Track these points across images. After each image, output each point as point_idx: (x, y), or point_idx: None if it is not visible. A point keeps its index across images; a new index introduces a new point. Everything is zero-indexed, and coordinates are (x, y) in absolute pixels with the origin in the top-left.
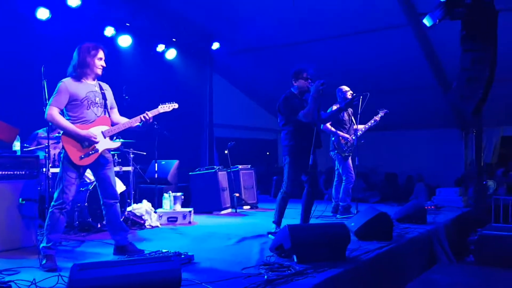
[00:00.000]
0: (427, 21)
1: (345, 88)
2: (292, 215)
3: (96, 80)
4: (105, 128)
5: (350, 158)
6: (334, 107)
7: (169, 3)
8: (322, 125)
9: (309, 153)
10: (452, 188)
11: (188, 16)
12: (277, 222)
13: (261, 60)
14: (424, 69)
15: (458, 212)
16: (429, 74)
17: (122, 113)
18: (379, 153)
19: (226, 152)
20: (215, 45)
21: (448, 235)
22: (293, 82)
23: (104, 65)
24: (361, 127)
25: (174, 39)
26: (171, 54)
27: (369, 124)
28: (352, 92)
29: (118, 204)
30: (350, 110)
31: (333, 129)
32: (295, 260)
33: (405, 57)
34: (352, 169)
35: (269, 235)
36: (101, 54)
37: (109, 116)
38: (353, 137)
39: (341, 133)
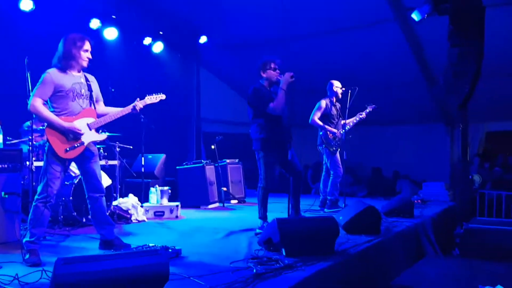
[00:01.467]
0: (415, 16)
1: (336, 83)
2: (280, 209)
3: (81, 71)
4: (90, 120)
5: (338, 152)
6: (322, 102)
7: None
8: (310, 119)
9: (281, 147)
10: (439, 182)
11: (175, 10)
12: (263, 216)
13: (248, 55)
14: (410, 64)
15: (444, 206)
16: (415, 69)
17: (108, 105)
18: (365, 148)
19: (213, 147)
20: (203, 39)
21: (434, 229)
22: (261, 73)
23: (90, 57)
24: (348, 121)
25: (161, 32)
26: (158, 47)
27: (357, 119)
28: (342, 90)
29: (104, 197)
30: (338, 104)
31: (320, 123)
32: (284, 253)
33: (391, 52)
34: (340, 163)
35: (257, 230)
36: (87, 45)
37: (95, 108)
38: (341, 132)
39: (329, 128)
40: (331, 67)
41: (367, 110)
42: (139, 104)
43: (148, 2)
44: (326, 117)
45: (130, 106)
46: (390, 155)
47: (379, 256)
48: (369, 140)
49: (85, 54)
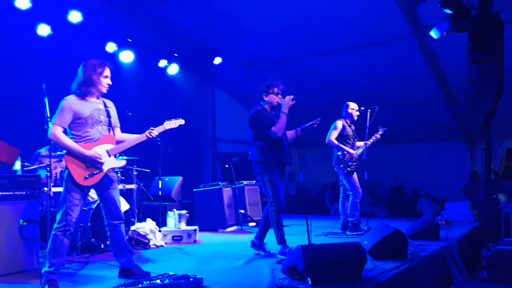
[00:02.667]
0: (434, 34)
1: (352, 105)
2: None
3: (100, 97)
4: (109, 146)
5: (355, 172)
6: (338, 122)
7: (171, 18)
8: (326, 139)
9: (281, 169)
10: (462, 202)
11: (190, 31)
12: (282, 241)
13: (263, 75)
14: (428, 81)
15: (469, 227)
16: (433, 86)
17: (124, 130)
18: (384, 166)
19: (226, 166)
20: (217, 60)
21: (461, 251)
22: (263, 96)
23: (110, 83)
24: (361, 144)
25: (176, 54)
26: (173, 69)
27: (370, 141)
28: (358, 114)
29: (123, 224)
30: (352, 126)
31: (337, 143)
32: (310, 283)
33: (409, 69)
34: (358, 183)
35: (278, 256)
36: (107, 72)
37: (114, 134)
38: (358, 153)
39: (346, 148)
40: (348, 84)
41: (380, 133)
42: (154, 131)
43: (163, 24)
44: (342, 137)
45: (145, 134)
46: (410, 173)
47: (409, 283)
48: (386, 159)
49: (105, 81)
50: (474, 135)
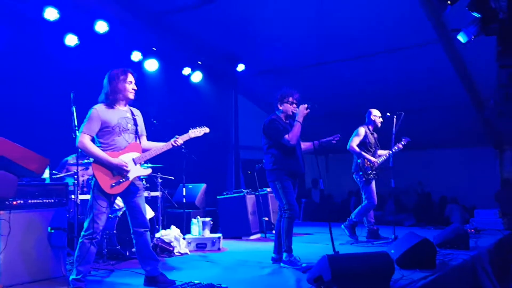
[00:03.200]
0: (461, 38)
1: (375, 112)
2: (324, 240)
3: (127, 105)
4: (136, 155)
5: (374, 181)
6: (361, 129)
7: (194, 27)
8: (348, 145)
9: (294, 178)
10: (491, 209)
11: (213, 39)
12: (288, 249)
13: (286, 81)
14: (456, 86)
15: (499, 235)
16: (461, 91)
17: (150, 137)
18: (410, 173)
19: (249, 172)
20: (240, 67)
21: (491, 261)
22: (278, 105)
23: (135, 88)
24: (383, 152)
25: (199, 62)
26: (196, 77)
27: (393, 150)
28: (382, 121)
29: (149, 232)
30: (374, 134)
31: (358, 149)
32: None
33: (436, 74)
34: (375, 193)
35: (281, 264)
36: (130, 77)
37: (140, 142)
38: (379, 161)
39: (367, 155)
40: (373, 90)
41: (402, 143)
42: (179, 140)
43: (187, 32)
44: (364, 145)
45: (170, 142)
46: (437, 180)
47: None
48: (413, 165)
49: (130, 86)
50: (504, 140)
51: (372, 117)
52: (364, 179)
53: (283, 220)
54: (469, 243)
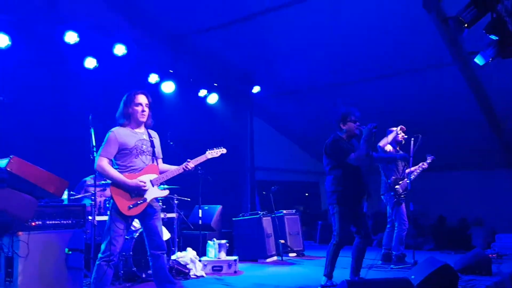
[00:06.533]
0: (479, 61)
1: (394, 128)
2: (342, 265)
3: (144, 127)
4: (153, 176)
5: (404, 203)
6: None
7: (210, 48)
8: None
9: (358, 200)
10: None
11: (229, 61)
12: (328, 274)
13: (301, 102)
14: (472, 108)
15: None
16: (478, 113)
17: (166, 159)
18: (428, 195)
19: (264, 193)
20: (256, 89)
21: None
22: (341, 125)
23: (146, 110)
24: (413, 169)
25: (215, 84)
26: (212, 98)
27: (419, 170)
28: (404, 135)
29: (165, 255)
30: (400, 151)
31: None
32: None
33: (452, 95)
34: (406, 215)
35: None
36: (138, 99)
37: (157, 164)
38: (407, 181)
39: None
40: (388, 112)
41: (428, 161)
42: (190, 164)
43: (203, 54)
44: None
45: (182, 167)
46: (455, 203)
47: None
48: (431, 187)
49: (138, 108)
50: None
51: (394, 134)
52: (395, 200)
53: (330, 245)
54: (491, 268)
